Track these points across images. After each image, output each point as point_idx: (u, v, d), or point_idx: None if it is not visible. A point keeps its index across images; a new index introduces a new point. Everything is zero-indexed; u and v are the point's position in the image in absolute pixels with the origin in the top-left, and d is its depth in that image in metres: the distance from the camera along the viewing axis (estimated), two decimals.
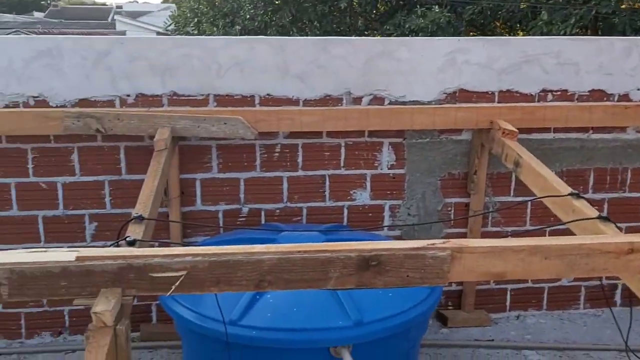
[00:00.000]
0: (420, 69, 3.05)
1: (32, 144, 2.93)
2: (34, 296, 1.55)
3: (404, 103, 3.06)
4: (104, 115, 2.77)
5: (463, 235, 3.26)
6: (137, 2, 47.67)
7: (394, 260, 1.62)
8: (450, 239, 1.68)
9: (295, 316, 2.12)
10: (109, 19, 36.67)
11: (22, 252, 1.60)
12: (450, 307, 3.37)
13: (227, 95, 2.98)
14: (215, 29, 10.10)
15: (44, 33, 17.92)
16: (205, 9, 10.51)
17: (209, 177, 3.08)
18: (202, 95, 2.97)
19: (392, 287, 1.66)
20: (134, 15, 38.58)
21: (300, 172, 3.12)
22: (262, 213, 3.14)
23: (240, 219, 3.13)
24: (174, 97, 2.96)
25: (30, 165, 2.95)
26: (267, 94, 3.00)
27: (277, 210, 3.15)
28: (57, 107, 2.89)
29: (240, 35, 8.97)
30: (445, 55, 3.05)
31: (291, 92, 3.02)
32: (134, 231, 1.97)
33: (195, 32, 10.74)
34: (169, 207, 3.03)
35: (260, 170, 3.09)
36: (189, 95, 2.97)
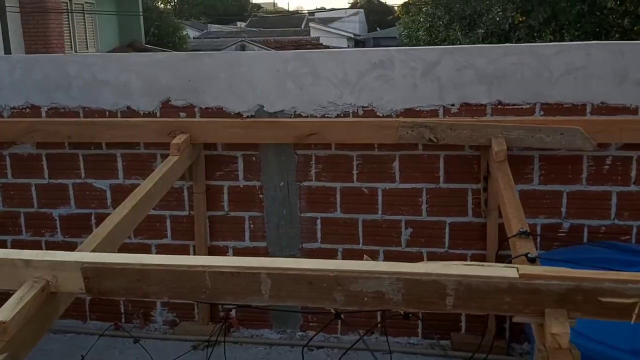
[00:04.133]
0: None
1: (357, 152, 3.09)
2: (476, 309, 1.57)
3: None
4: (437, 125, 2.81)
5: None
6: (325, 9, 49.75)
7: None
8: None
9: None
10: (302, 26, 38.73)
11: (461, 265, 1.64)
12: None
13: (556, 103, 2.86)
14: (449, 32, 10.01)
15: (247, 42, 19.57)
16: (441, 13, 10.47)
17: (529, 189, 2.97)
18: (529, 104, 2.88)
19: None
20: (325, 21, 40.39)
21: (632, 187, 2.88)
22: (585, 230, 2.96)
23: (560, 234, 2.98)
24: (499, 107, 2.91)
25: (355, 171, 3.12)
26: (601, 102, 2.82)
27: (603, 228, 2.94)
28: (383, 116, 3.02)
29: (484, 39, 8.78)
30: None
31: (629, 99, 2.79)
32: (525, 246, 1.94)
33: (427, 37, 10.81)
34: (487, 217, 2.99)
35: (587, 183, 2.91)
36: (514, 104, 2.90)
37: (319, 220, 3.20)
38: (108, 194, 3.34)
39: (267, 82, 3.05)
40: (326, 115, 3.06)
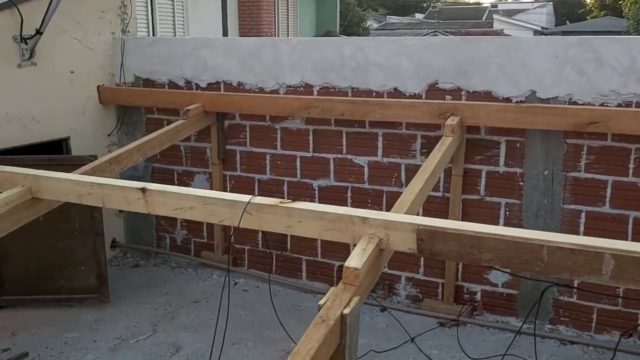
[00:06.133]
0: None
1: (637, 144, 2.91)
2: None
3: None
4: None
5: None
6: (507, 1, 47.11)
7: None
8: None
9: None
10: (484, 18, 37.01)
11: None
12: None
13: None
14: None
15: (439, 32, 19.10)
16: None
17: None
18: None
19: None
20: (510, 13, 38.19)
21: None
22: None
23: None
24: None
25: (631, 165, 2.95)
26: None
27: None
28: None
29: None
30: None
31: None
32: None
33: None
34: None
35: None
36: None
37: (583, 214, 3.08)
38: (365, 170, 3.55)
39: (543, 68, 3.00)
40: (605, 104, 2.92)
